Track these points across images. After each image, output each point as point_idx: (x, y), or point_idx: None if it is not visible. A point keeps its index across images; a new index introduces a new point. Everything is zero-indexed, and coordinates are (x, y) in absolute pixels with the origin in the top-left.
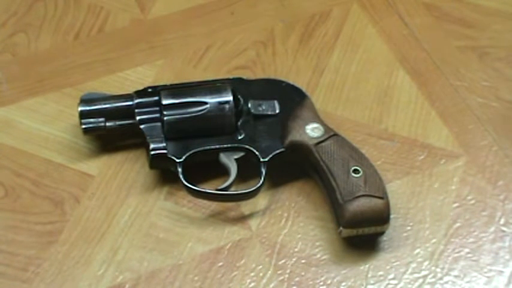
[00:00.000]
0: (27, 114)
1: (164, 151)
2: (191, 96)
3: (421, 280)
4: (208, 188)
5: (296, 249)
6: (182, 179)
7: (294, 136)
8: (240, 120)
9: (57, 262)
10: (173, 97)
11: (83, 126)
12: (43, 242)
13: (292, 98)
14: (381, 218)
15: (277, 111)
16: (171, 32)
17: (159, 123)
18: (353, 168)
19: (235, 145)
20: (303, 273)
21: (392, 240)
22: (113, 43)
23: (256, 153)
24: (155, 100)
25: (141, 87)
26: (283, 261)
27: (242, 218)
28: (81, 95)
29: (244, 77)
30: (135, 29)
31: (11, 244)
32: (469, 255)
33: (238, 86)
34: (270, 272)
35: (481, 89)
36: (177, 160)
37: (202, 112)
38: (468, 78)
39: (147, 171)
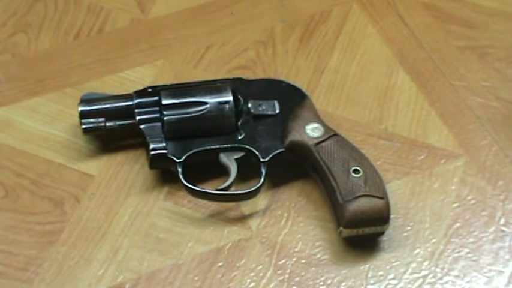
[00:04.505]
0: (27, 114)
1: (164, 151)
2: (191, 96)
3: (421, 280)
4: (208, 188)
5: (296, 249)
6: (182, 179)
7: (294, 136)
8: (240, 120)
9: (57, 262)
10: (173, 97)
11: (83, 126)
12: (43, 242)
13: (292, 98)
14: (381, 218)
15: (277, 111)
16: (171, 32)
17: (159, 123)
18: (353, 168)
19: (235, 145)
20: (303, 273)
21: (392, 240)
22: (113, 43)
23: (256, 153)
24: (155, 100)
25: (141, 87)
26: (283, 261)
27: (242, 218)
28: (81, 95)
29: (244, 77)
30: (135, 29)
31: (11, 244)
32: (469, 255)
33: (238, 86)
34: (270, 272)
35: (481, 89)
36: (177, 160)
37: (202, 112)
38: (468, 78)
39: (147, 171)
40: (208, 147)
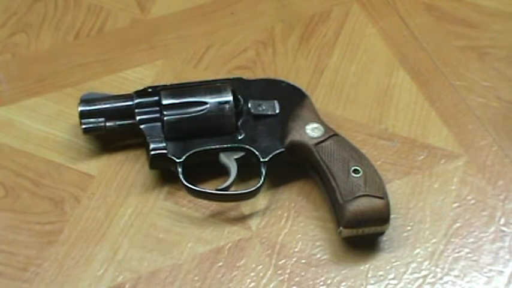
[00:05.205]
0: (27, 114)
1: (164, 151)
2: (191, 96)
3: (421, 280)
4: (208, 188)
5: (296, 249)
6: (182, 179)
7: (294, 136)
8: (240, 120)
9: (57, 262)
10: (173, 97)
11: (83, 126)
12: (43, 242)
13: (292, 98)
14: (381, 218)
15: (277, 111)
16: (171, 32)
17: (159, 123)
18: (353, 168)
19: (235, 145)
20: (303, 273)
21: (392, 240)
22: (113, 43)
23: (256, 153)
24: (155, 100)
25: (141, 87)
26: (283, 261)
27: (242, 218)
28: (81, 95)
29: (244, 77)
30: (135, 29)
31: (11, 244)
32: (469, 255)
33: (238, 86)
34: (270, 272)
35: (481, 89)
36: (177, 160)
37: (202, 112)
38: (468, 78)
39: (147, 171)
40: (208, 147)
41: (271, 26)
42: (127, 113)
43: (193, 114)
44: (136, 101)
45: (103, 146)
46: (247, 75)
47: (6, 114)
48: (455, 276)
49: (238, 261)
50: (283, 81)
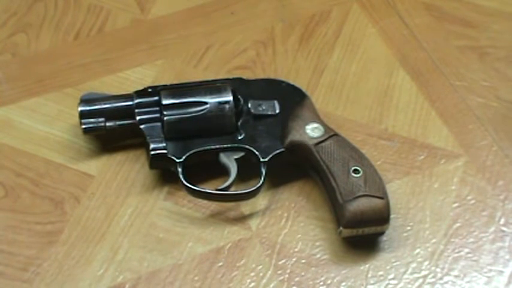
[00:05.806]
0: (27, 114)
1: (164, 151)
2: (191, 96)
3: (421, 280)
4: (208, 188)
5: (296, 249)
6: (182, 179)
7: (294, 136)
8: (240, 120)
9: (57, 262)
10: (173, 97)
11: (83, 126)
12: (43, 242)
13: (292, 98)
14: (381, 218)
15: (277, 111)
16: (171, 32)
17: (159, 123)
18: (353, 168)
19: (235, 145)
20: (303, 273)
21: (392, 240)
22: (113, 43)
23: (256, 153)
24: (155, 100)
25: (141, 87)
26: (283, 261)
27: (242, 218)
28: (81, 95)
29: (244, 77)
30: (135, 29)
31: (11, 244)
32: (469, 255)
33: (238, 86)
34: (270, 272)
35: (481, 89)
36: (177, 160)
37: (202, 112)
38: (468, 78)
39: (147, 171)
40: (208, 147)
41: (271, 26)
42: (127, 113)
43: (193, 114)
44: (136, 101)
45: (103, 146)
46: (247, 75)
47: (6, 114)
48: (455, 276)
49: (238, 261)
50: (283, 81)
